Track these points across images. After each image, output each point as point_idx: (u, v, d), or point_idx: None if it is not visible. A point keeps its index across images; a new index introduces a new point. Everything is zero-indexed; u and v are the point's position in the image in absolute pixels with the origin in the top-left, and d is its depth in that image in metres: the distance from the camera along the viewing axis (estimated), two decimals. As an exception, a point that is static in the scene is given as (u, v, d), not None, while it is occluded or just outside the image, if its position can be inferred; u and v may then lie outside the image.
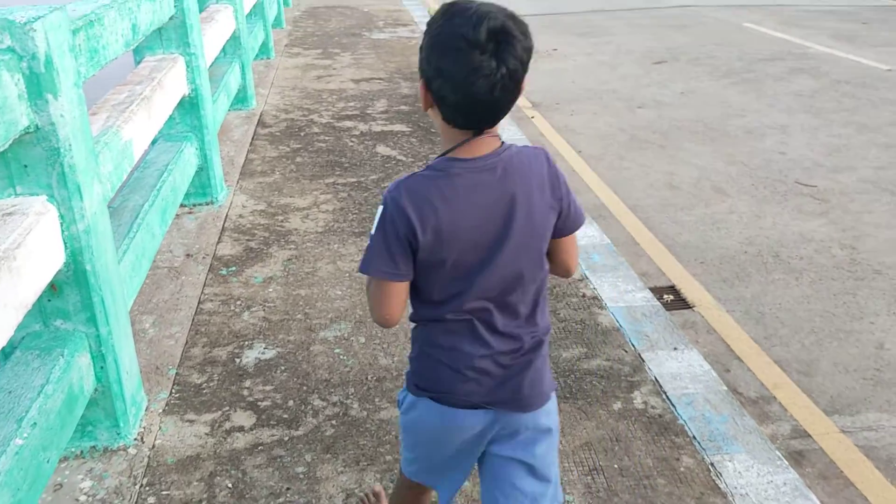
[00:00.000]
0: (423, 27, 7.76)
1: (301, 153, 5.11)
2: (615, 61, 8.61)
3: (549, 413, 1.55)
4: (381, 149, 5.20)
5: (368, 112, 6.09)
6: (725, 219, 4.53)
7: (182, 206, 4.02)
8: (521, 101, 7.08)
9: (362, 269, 1.39)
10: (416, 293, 1.44)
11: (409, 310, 1.46)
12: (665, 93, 7.23)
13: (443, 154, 1.35)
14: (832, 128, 6.15)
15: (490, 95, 1.24)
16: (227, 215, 4.02)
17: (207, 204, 4.10)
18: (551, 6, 12.81)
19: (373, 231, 1.36)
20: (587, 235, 3.84)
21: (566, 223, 1.45)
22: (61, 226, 1.98)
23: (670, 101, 6.98)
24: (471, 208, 1.34)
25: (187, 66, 3.85)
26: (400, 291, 1.40)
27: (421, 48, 1.31)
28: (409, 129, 5.63)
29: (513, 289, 1.42)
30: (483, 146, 1.34)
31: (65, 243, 2.01)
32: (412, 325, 1.50)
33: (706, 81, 7.62)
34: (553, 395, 1.56)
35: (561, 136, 6.11)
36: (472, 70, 1.22)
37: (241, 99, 5.99)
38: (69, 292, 2.09)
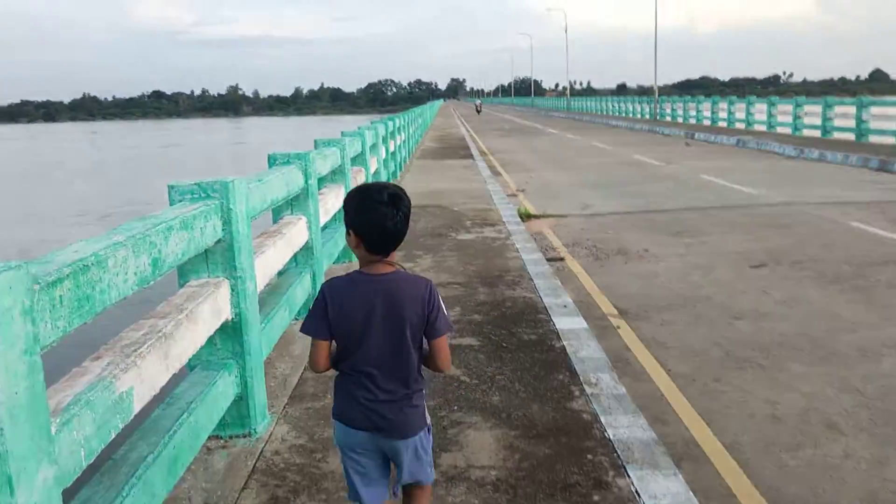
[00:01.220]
0: (511, 227, 7.57)
1: (360, 371, 4.79)
2: (710, 264, 8.14)
3: (418, 443, 2.41)
4: (446, 367, 4.82)
5: (440, 323, 5.78)
6: (840, 465, 3.82)
7: (217, 437, 3.70)
8: (607, 308, 6.66)
9: (301, 329, 2.39)
10: (336, 353, 2.38)
11: None
12: (765, 301, 6.66)
13: (358, 270, 2.36)
14: (964, 347, 5.39)
15: (395, 229, 2.31)
16: (261, 451, 3.65)
17: (244, 436, 3.76)
18: (644, 203, 12.63)
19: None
20: (669, 493, 3.23)
21: (432, 329, 2.34)
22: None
23: (770, 310, 6.39)
24: (358, 303, 2.30)
25: (232, 291, 3.67)
26: (321, 348, 2.37)
27: (346, 211, 2.33)
28: (479, 343, 5.26)
29: (387, 362, 2.32)
30: (382, 268, 2.34)
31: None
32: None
33: (811, 288, 7.01)
34: (423, 432, 2.42)
35: (649, 350, 5.59)
36: (382, 216, 2.27)
37: (307, 308, 5.81)
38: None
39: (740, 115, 31.60)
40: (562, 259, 8.76)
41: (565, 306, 6.16)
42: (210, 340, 3.60)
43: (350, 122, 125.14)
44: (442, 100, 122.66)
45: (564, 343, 5.20)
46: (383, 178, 12.31)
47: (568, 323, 5.68)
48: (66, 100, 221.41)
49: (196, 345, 3.21)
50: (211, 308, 3.42)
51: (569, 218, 11.66)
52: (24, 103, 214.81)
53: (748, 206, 11.93)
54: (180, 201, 3.55)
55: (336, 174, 7.59)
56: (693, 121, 36.42)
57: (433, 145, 27.75)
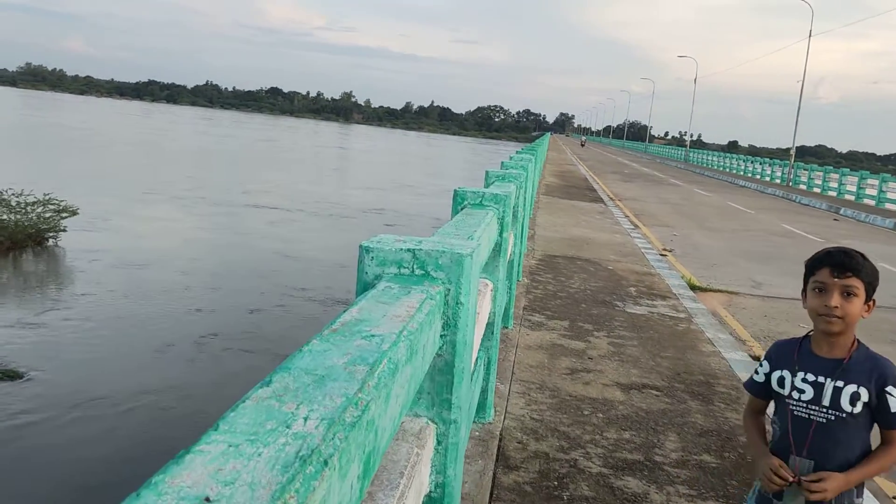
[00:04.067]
0: (687, 304, 4.90)
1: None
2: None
3: None
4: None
5: (656, 458, 4.07)
6: None
7: None
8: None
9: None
10: None
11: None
12: None
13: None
14: None
15: None
16: None
17: None
18: None
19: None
20: None
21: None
22: None
23: None
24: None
25: (438, 443, 2.08)
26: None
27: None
28: (734, 518, 3.52)
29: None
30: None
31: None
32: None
33: None
34: None
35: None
36: None
37: (476, 407, 4.20)
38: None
39: (893, 195, 28.69)
40: (758, 358, 6.90)
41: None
42: None
43: (456, 142, 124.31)
44: (549, 133, 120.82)
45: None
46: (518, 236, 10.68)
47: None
48: (190, 85, 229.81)
49: None
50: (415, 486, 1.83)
51: (742, 297, 9.74)
52: (151, 83, 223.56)
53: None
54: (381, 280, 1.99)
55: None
56: (833, 193, 33.54)
57: (555, 181, 26.05)
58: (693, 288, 9.70)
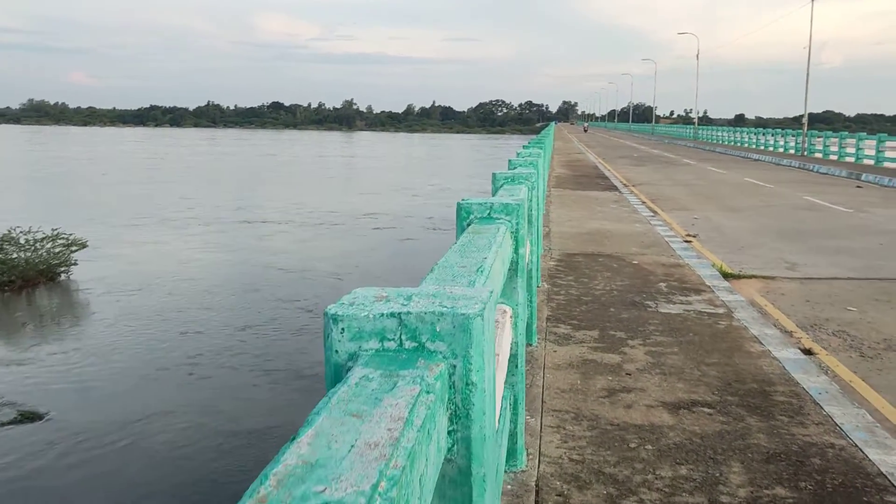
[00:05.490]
0: (724, 296, 4.45)
1: None
2: None
3: None
4: None
5: (721, 499, 3.43)
6: None
7: None
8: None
9: None
10: None
11: None
12: None
13: None
14: None
15: None
16: None
17: None
18: (864, 265, 9.84)
19: None
20: None
21: None
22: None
23: None
24: None
25: None
26: None
27: None
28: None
29: None
30: None
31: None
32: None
33: None
34: None
35: None
36: None
37: (506, 454, 3.58)
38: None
39: (914, 155, 27.78)
40: (809, 352, 6.23)
41: (921, 476, 3.71)
42: None
43: (459, 140, 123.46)
44: (554, 122, 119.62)
45: None
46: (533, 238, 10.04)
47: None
48: (191, 107, 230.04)
49: None
50: None
51: (779, 282, 9.06)
52: (153, 108, 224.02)
53: None
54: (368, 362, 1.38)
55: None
56: (851, 159, 32.62)
57: (565, 172, 25.36)
58: (726, 276, 9.03)
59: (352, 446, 1.07)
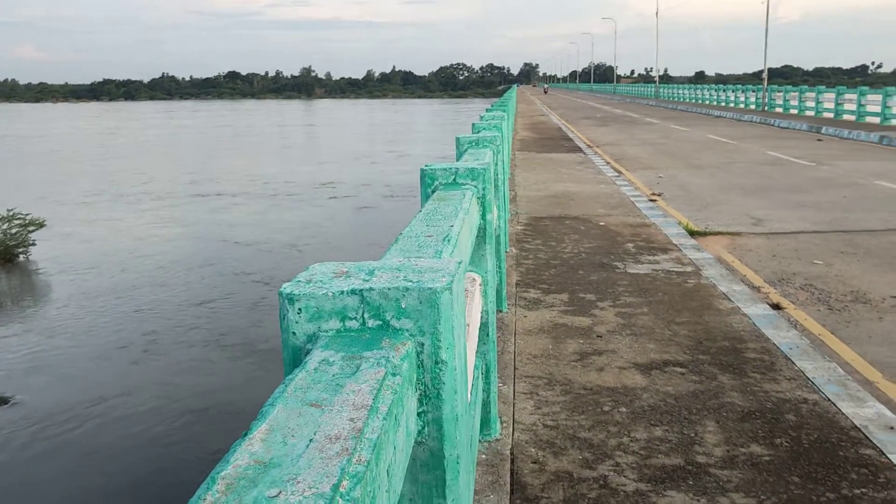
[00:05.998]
0: (691, 254, 4.47)
1: None
2: None
3: None
4: None
5: (698, 460, 3.41)
6: None
7: None
8: None
9: None
10: None
11: None
12: None
13: None
14: None
15: None
16: None
17: None
18: (828, 218, 9.92)
19: None
20: None
21: None
22: None
23: None
24: None
25: None
26: None
27: None
28: (805, 529, 2.88)
29: None
30: None
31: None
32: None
33: None
34: None
35: None
36: None
37: (480, 423, 3.51)
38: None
39: (873, 108, 28.08)
40: (778, 307, 6.26)
41: (892, 427, 3.72)
42: None
43: (421, 105, 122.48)
44: (516, 85, 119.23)
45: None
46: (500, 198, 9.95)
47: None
48: (146, 79, 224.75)
49: None
50: None
51: (745, 237, 9.10)
52: (106, 82, 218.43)
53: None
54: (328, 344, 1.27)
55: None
56: (811, 113, 32.93)
57: (529, 135, 25.25)
58: (692, 234, 9.04)
59: (310, 441, 0.97)
